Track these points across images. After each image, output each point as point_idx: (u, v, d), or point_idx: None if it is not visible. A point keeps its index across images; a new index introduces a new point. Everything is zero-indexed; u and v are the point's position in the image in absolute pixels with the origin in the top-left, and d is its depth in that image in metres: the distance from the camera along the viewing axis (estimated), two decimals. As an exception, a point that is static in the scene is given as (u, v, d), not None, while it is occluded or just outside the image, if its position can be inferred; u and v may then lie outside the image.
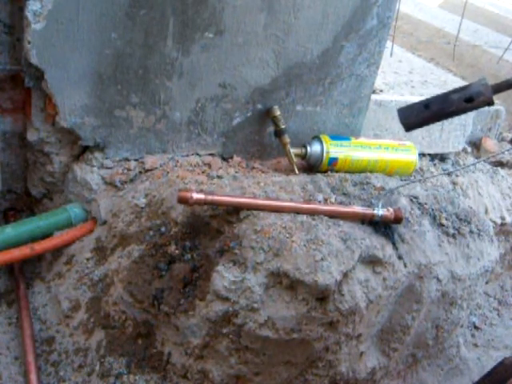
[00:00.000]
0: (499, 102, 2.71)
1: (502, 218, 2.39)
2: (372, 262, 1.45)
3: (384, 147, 1.93)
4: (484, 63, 3.48)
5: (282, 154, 1.90)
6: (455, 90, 1.26)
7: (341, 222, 1.48)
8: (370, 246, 1.44)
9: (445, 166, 2.46)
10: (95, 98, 1.56)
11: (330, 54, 1.83)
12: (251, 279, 1.34)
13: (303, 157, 1.86)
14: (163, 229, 1.51)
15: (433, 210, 1.69)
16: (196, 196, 1.39)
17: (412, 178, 2.09)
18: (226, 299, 1.34)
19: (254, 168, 1.86)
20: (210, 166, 1.78)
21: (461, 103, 1.24)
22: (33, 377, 1.42)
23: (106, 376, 1.45)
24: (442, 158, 2.49)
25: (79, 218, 1.69)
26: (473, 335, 2.19)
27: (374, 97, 2.11)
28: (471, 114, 2.47)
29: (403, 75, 2.66)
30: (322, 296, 1.34)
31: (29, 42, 1.42)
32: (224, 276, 1.35)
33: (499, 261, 2.20)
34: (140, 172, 1.70)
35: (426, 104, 1.27)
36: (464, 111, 1.26)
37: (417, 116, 1.28)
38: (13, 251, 1.54)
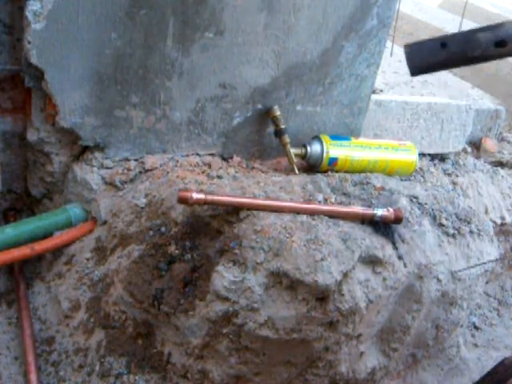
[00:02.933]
0: (499, 102, 2.71)
1: (502, 218, 2.39)
2: (372, 261, 1.45)
3: (384, 147, 1.93)
4: (484, 63, 3.48)
5: (282, 153, 1.90)
6: (482, 29, 0.98)
7: (341, 222, 1.48)
8: (370, 245, 1.44)
9: (445, 166, 2.46)
10: (95, 98, 1.56)
11: (330, 53, 1.83)
12: (251, 279, 1.34)
13: (303, 157, 1.86)
14: (163, 229, 1.50)
15: (433, 210, 1.69)
16: (196, 196, 1.39)
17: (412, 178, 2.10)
18: (226, 299, 1.34)
19: (253, 168, 1.86)
20: (210, 166, 1.78)
21: (489, 47, 0.97)
22: (33, 377, 1.42)
23: (106, 376, 1.45)
24: (442, 157, 2.49)
25: (79, 218, 1.69)
26: (473, 335, 2.19)
27: (373, 97, 2.10)
28: (471, 114, 2.46)
29: (403, 75, 2.66)
30: (321, 296, 1.34)
31: (29, 42, 1.42)
32: (224, 276, 1.35)
33: (499, 261, 2.20)
34: (140, 172, 1.70)
35: (443, 42, 0.99)
36: (492, 58, 0.99)
37: (429, 57, 1.01)
38: (13, 251, 1.54)
